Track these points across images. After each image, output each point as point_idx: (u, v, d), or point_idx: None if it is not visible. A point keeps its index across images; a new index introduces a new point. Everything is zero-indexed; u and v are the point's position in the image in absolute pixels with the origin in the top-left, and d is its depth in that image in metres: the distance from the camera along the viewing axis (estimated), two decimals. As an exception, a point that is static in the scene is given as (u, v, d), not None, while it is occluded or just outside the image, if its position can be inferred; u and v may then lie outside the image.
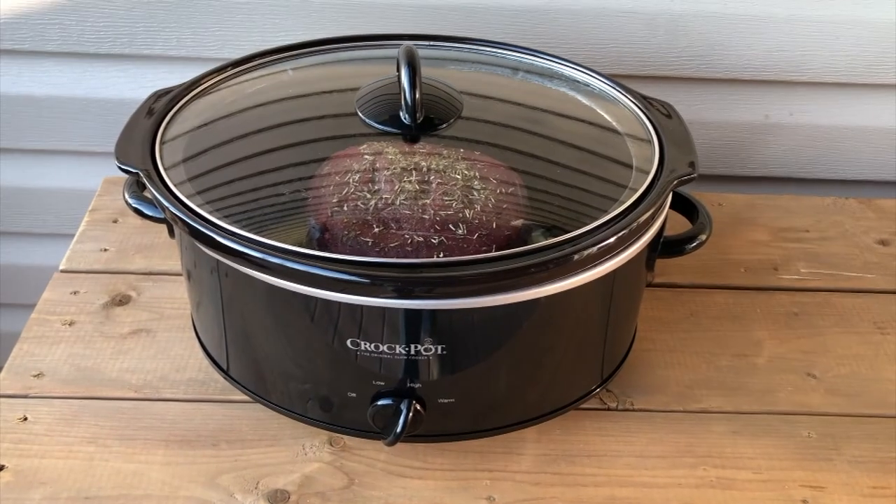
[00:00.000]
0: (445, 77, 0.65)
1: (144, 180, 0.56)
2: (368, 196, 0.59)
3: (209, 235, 0.52)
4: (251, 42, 0.82)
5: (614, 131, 0.64)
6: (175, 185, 0.56)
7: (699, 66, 0.83)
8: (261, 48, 0.79)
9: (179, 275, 0.63)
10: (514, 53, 0.70)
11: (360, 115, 0.61)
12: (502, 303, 0.51)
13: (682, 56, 0.82)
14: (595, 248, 0.51)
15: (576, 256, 0.51)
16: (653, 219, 0.55)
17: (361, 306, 0.51)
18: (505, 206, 0.58)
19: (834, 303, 0.74)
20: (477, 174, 0.59)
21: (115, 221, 0.80)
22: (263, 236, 0.52)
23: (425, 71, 0.61)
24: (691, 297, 0.74)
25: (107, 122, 0.86)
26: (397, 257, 0.54)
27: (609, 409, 0.64)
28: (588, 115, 0.66)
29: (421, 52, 0.63)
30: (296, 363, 0.57)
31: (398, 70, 0.59)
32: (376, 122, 0.60)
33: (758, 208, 0.84)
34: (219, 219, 0.53)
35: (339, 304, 0.51)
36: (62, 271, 0.74)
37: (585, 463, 0.60)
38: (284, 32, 0.81)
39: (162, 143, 0.59)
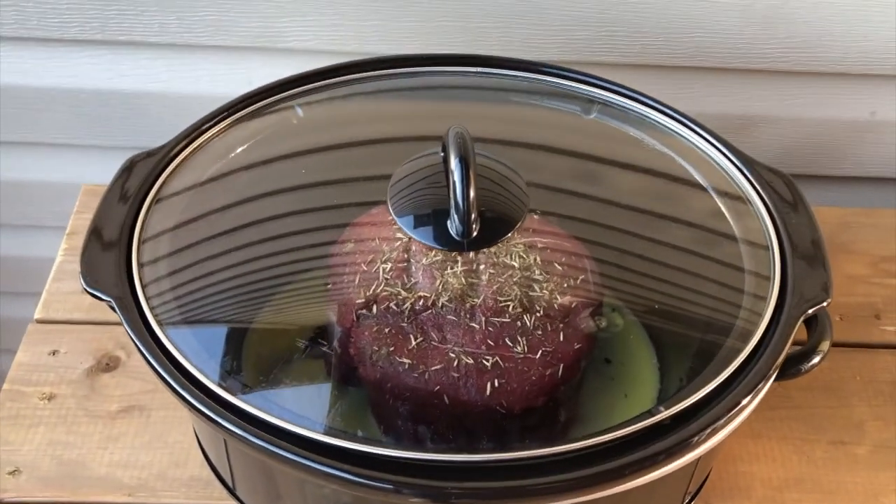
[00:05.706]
0: (497, 126, 0.52)
1: (123, 324, 0.43)
2: (402, 293, 0.48)
3: (211, 416, 0.41)
4: (249, 29, 0.66)
5: (717, 213, 0.51)
6: (162, 323, 0.43)
7: (800, 59, 0.67)
8: (261, 35, 0.66)
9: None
10: (588, 87, 0.54)
11: (391, 211, 0.46)
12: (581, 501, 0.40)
13: (780, 47, 0.67)
14: (710, 429, 0.40)
15: (693, 440, 0.39)
16: (776, 364, 0.43)
17: None
18: (574, 304, 0.48)
19: (955, 367, 0.63)
20: (537, 258, 0.49)
21: (97, 249, 0.68)
22: (279, 400, 0.42)
23: (469, 108, 0.46)
24: (778, 357, 0.63)
25: (81, 112, 0.72)
26: (440, 385, 0.45)
27: (684, 523, 0.55)
28: (680, 179, 0.53)
29: (465, 81, 0.50)
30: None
31: (444, 160, 0.45)
32: (413, 229, 0.46)
33: (854, 228, 0.71)
34: (217, 383, 0.41)
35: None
36: (38, 321, 0.63)
37: None
38: (288, 18, 0.65)
39: (140, 258, 0.46)
